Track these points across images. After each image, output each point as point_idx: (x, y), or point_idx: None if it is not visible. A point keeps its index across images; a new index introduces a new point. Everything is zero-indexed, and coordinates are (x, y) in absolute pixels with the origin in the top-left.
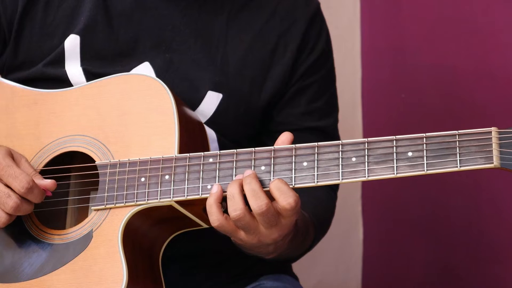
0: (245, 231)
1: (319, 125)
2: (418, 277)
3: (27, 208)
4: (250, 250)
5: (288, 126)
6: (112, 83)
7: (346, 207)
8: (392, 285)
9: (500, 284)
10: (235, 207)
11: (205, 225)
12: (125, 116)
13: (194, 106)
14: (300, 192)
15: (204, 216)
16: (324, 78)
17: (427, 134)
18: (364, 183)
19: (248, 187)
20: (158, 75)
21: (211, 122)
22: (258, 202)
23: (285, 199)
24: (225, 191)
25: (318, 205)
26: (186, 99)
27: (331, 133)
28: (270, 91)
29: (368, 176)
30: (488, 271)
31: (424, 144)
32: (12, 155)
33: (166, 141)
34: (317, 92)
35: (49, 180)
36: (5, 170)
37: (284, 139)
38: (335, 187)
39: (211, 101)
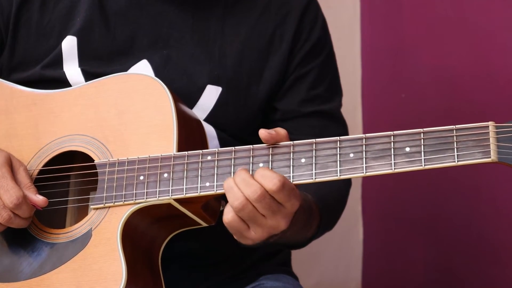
0: (252, 224)
1: (321, 109)
2: (418, 277)
3: (20, 223)
4: (258, 245)
5: (290, 114)
6: (111, 83)
7: (346, 207)
8: (392, 285)
9: (500, 284)
10: (236, 196)
11: (204, 224)
12: (124, 115)
13: (194, 100)
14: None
15: (203, 214)
16: (322, 64)
17: (424, 129)
18: (364, 183)
19: (238, 178)
20: (156, 71)
21: (211, 116)
22: (251, 188)
23: (270, 181)
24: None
25: (322, 187)
26: (185, 94)
27: (336, 115)
28: (268, 82)
29: (366, 172)
30: (488, 271)
31: (422, 139)
32: (11, 163)
33: (164, 139)
34: (316, 79)
35: (41, 197)
36: None
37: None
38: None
39: (210, 95)
